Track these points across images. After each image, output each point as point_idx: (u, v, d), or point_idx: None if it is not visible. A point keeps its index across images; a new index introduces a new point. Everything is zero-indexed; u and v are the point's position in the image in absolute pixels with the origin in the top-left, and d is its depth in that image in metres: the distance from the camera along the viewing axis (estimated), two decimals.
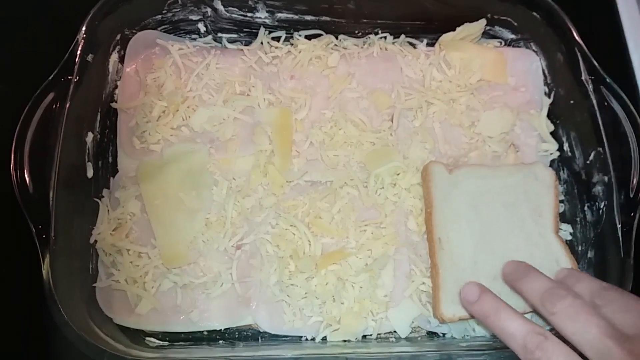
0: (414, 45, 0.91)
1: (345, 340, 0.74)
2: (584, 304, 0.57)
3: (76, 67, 0.76)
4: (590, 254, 0.78)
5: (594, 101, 0.77)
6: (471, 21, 0.88)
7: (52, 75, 0.75)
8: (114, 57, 0.85)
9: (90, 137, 0.79)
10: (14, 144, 0.72)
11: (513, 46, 0.90)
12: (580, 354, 0.55)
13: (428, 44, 0.90)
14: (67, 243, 0.72)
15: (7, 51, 0.88)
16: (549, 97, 0.87)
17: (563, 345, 0.56)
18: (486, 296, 0.66)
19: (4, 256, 0.80)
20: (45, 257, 0.67)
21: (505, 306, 0.63)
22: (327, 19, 0.88)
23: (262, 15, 0.87)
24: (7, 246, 0.80)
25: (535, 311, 0.66)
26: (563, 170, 0.84)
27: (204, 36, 0.90)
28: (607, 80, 0.78)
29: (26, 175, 0.71)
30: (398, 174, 0.82)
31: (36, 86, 0.75)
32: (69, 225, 0.72)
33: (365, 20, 0.88)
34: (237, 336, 0.76)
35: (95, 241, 0.77)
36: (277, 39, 0.89)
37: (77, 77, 0.76)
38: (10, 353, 0.77)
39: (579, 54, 0.80)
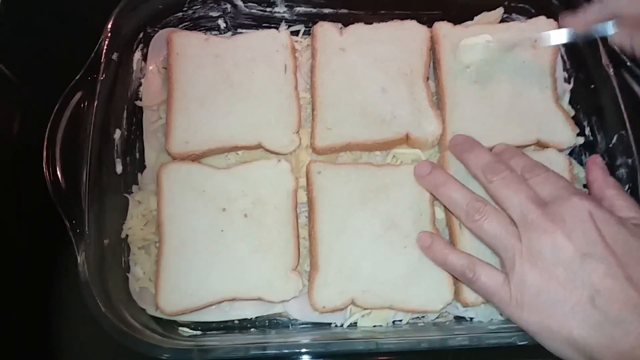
0: None
1: (375, 325, 0.75)
2: (515, 176, 0.67)
3: (102, 66, 0.78)
4: None
5: (615, 85, 0.78)
6: (489, 10, 0.89)
7: (79, 75, 0.77)
8: (138, 55, 0.86)
9: (118, 133, 0.81)
10: (45, 142, 0.74)
11: None
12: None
13: None
14: (100, 237, 0.73)
15: (35, 53, 0.90)
16: (569, 83, 0.87)
17: (497, 210, 0.66)
18: (437, 170, 0.73)
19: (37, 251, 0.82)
20: (81, 250, 0.69)
21: (454, 179, 0.71)
22: (345, 11, 0.88)
23: (281, 9, 0.88)
24: (40, 242, 0.82)
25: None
26: (585, 154, 0.84)
27: (224, 32, 0.91)
28: (628, 63, 0.78)
29: (58, 172, 0.73)
30: None
31: (64, 86, 0.77)
32: (101, 220, 0.74)
33: (383, 12, 0.88)
34: (267, 324, 0.77)
35: (127, 235, 0.78)
36: (296, 32, 0.90)
37: (104, 76, 0.78)
38: (44, 346, 0.79)
39: (598, 38, 0.80)
